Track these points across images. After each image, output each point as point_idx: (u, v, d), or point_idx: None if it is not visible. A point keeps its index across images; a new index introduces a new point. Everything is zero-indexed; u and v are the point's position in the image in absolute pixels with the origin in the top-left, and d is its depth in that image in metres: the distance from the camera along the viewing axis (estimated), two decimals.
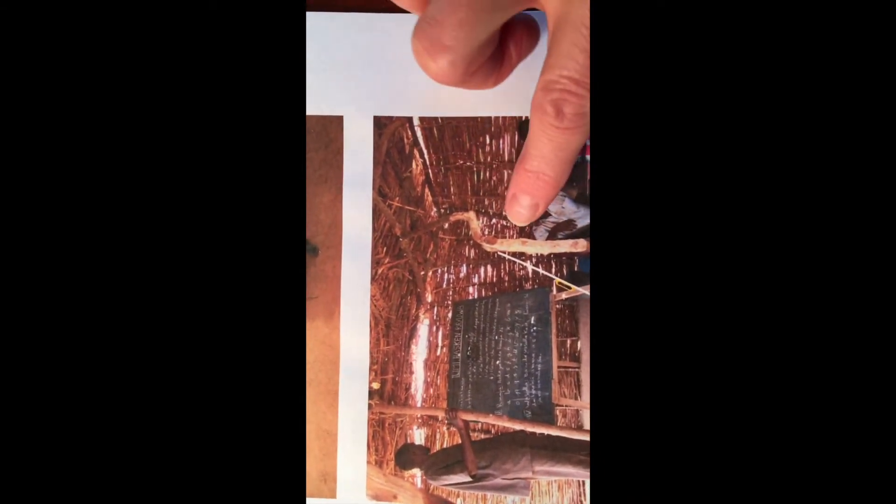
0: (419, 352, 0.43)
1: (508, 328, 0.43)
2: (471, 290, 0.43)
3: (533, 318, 0.42)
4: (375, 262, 0.43)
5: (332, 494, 0.42)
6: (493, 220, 0.43)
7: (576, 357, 0.42)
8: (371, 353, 0.42)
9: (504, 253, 0.43)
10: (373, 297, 0.43)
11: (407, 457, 0.42)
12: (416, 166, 0.43)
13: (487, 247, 0.43)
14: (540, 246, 0.42)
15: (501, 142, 0.42)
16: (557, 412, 0.42)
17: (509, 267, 0.43)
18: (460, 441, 0.42)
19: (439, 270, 0.43)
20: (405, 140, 0.42)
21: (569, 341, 0.42)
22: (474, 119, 0.42)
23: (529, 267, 0.43)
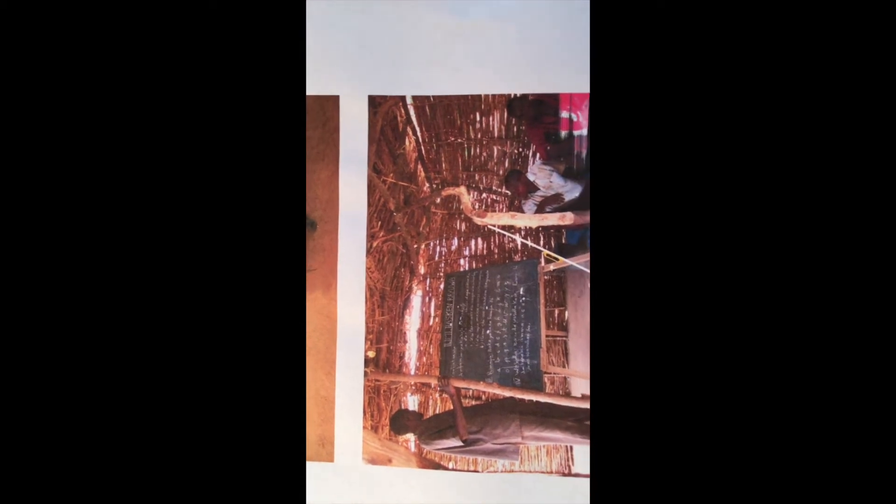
0: (413, 322, 0.45)
1: (498, 299, 0.44)
2: (462, 262, 0.45)
3: (522, 289, 0.44)
4: (371, 236, 0.44)
5: (330, 458, 0.44)
6: (484, 195, 0.44)
7: (563, 326, 0.44)
8: (367, 322, 0.44)
9: (494, 226, 0.44)
10: (368, 269, 0.44)
11: (401, 422, 0.44)
12: (410, 143, 0.44)
13: (478, 220, 0.44)
14: (528, 219, 0.44)
15: (491, 119, 0.44)
16: (546, 379, 0.43)
17: (499, 240, 0.45)
18: (452, 407, 0.44)
19: (432, 243, 0.45)
20: (399, 118, 0.44)
21: (556, 311, 0.44)
22: (465, 97, 0.44)
23: (518, 240, 0.44)
